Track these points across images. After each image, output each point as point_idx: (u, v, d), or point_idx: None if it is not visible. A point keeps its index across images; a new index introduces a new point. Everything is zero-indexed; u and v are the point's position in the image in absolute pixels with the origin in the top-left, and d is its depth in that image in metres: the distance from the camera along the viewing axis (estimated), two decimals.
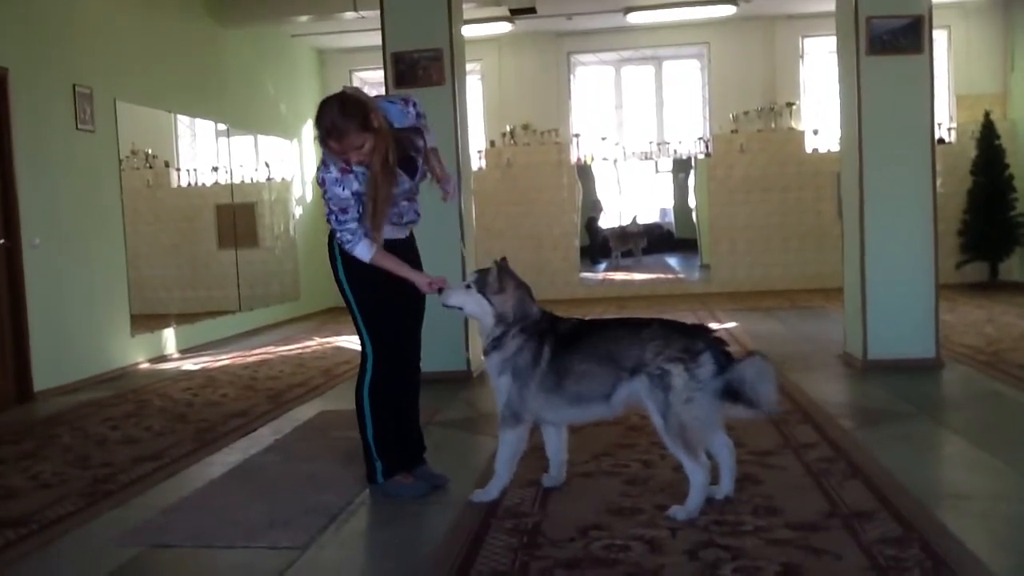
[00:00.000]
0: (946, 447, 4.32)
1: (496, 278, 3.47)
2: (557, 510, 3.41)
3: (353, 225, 3.47)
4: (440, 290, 3.55)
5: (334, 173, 3.44)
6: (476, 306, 3.51)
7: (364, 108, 3.36)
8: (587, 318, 3.64)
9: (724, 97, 11.88)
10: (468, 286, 3.54)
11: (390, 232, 3.63)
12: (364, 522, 3.47)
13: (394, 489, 3.69)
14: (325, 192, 3.48)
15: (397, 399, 3.75)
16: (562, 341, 3.42)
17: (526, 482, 3.68)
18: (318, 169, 3.52)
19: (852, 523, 3.10)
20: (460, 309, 3.56)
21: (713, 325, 8.60)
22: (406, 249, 3.72)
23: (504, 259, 3.57)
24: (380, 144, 3.39)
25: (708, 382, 3.19)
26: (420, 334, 3.85)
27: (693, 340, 3.26)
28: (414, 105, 3.62)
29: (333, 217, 3.48)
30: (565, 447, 3.69)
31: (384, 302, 3.64)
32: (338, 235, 3.50)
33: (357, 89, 3.55)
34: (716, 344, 3.27)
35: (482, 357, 3.61)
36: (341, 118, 3.32)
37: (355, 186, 3.44)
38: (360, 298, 3.65)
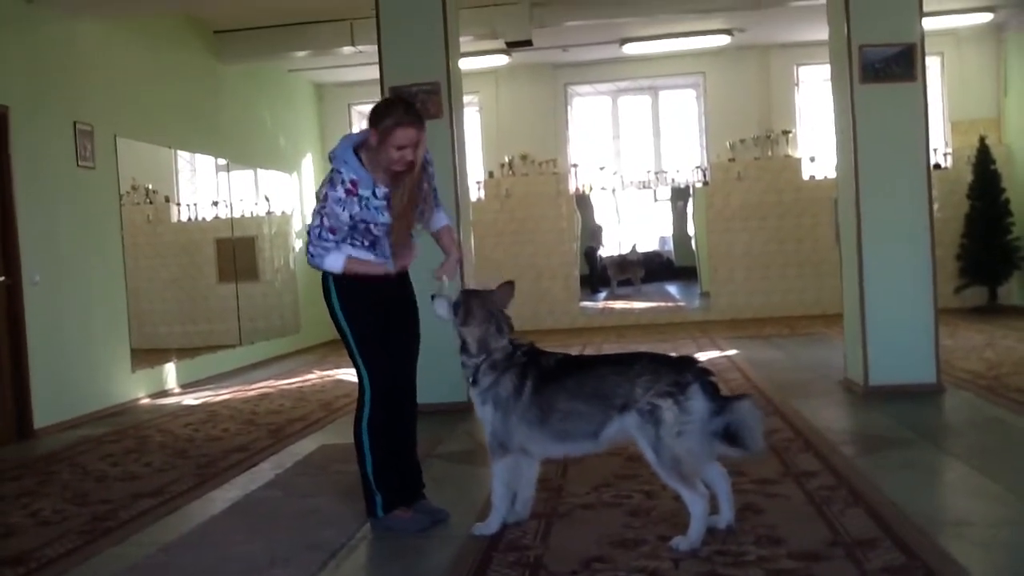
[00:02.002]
0: (948, 473, 4.31)
1: (463, 312, 3.50)
2: (559, 543, 3.39)
3: (331, 245, 3.49)
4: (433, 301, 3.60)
5: (339, 193, 3.47)
6: (443, 316, 3.58)
7: (422, 115, 3.56)
8: (572, 354, 3.65)
9: (720, 126, 11.95)
10: (444, 299, 3.59)
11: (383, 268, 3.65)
12: (365, 558, 3.45)
13: (395, 523, 3.67)
14: (323, 207, 3.49)
15: (395, 432, 3.74)
16: (546, 377, 3.42)
17: (529, 514, 3.66)
18: (323, 184, 3.55)
19: (855, 552, 3.09)
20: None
21: (714, 353, 8.61)
22: (399, 285, 3.73)
23: (509, 284, 3.63)
24: (420, 152, 3.52)
25: (701, 416, 3.19)
26: (415, 367, 3.84)
27: (681, 373, 3.26)
28: (427, 150, 3.66)
29: (317, 231, 3.49)
30: (534, 484, 3.66)
31: (381, 336, 3.65)
32: (311, 247, 3.51)
33: None
34: (703, 375, 3.28)
35: None
36: (416, 112, 3.47)
37: (355, 209, 3.47)
38: (357, 332, 3.64)
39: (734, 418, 3.18)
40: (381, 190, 3.50)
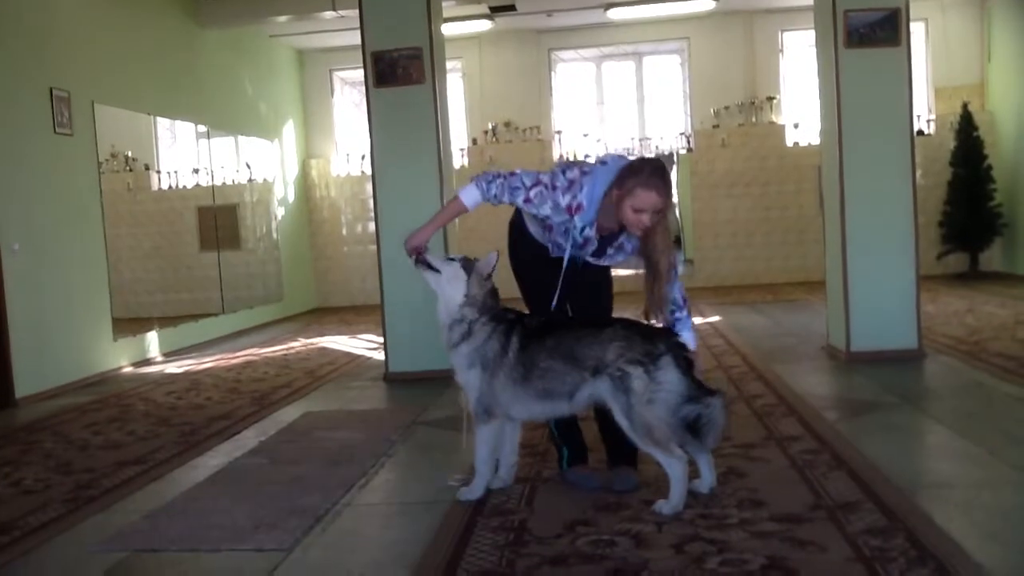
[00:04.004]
0: (929, 437, 4.35)
1: (490, 265, 3.47)
2: (543, 507, 3.41)
3: (493, 189, 3.42)
4: (417, 260, 3.51)
5: (565, 199, 3.36)
6: (452, 276, 3.47)
7: (671, 184, 3.38)
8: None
9: (705, 92, 11.92)
10: (452, 259, 3.53)
11: (557, 251, 3.61)
12: (350, 523, 3.45)
13: (572, 477, 3.66)
14: (549, 180, 3.37)
15: None
16: (530, 335, 3.42)
17: (513, 480, 3.68)
18: (572, 171, 3.41)
19: (837, 514, 3.12)
20: (434, 271, 3.49)
21: (697, 319, 8.63)
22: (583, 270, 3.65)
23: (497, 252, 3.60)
24: (663, 219, 3.35)
25: (670, 387, 3.21)
26: (599, 309, 3.73)
27: (654, 343, 3.27)
28: None
29: (517, 177, 3.40)
30: (517, 448, 3.68)
31: (540, 286, 3.63)
32: (494, 175, 3.46)
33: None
34: (676, 348, 3.29)
35: (448, 352, 3.55)
36: (664, 178, 3.31)
37: (556, 220, 3.41)
38: (521, 281, 3.72)
39: (708, 413, 3.22)
40: (589, 231, 3.42)
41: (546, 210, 3.41)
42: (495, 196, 3.45)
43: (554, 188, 3.38)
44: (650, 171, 3.31)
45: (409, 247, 3.53)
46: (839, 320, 6.22)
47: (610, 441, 3.63)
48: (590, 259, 3.61)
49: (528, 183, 3.40)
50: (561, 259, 3.55)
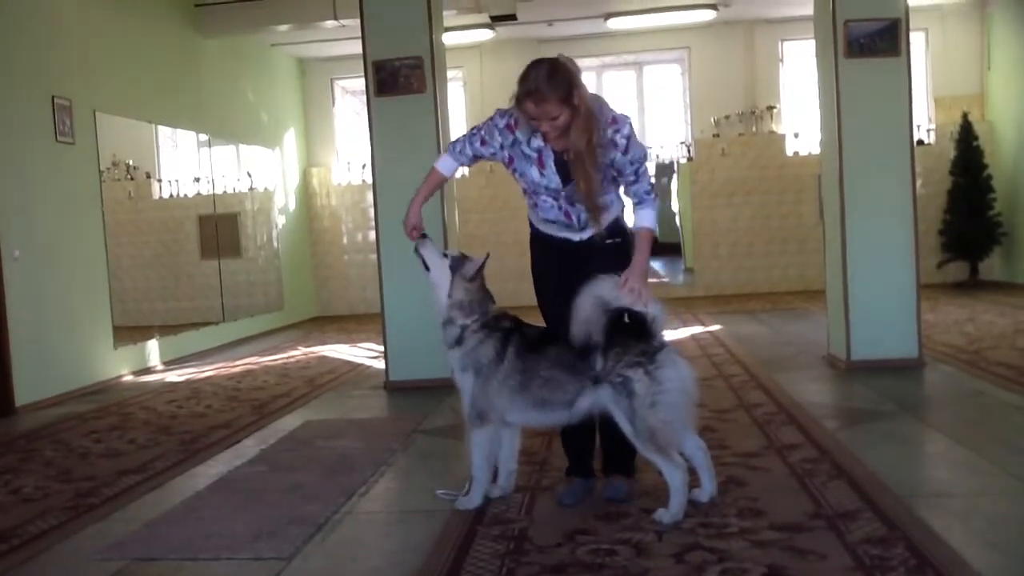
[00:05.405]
0: (929, 446, 4.35)
1: (475, 267, 3.49)
2: (543, 516, 3.41)
3: (459, 147, 3.59)
4: (416, 249, 3.55)
5: (501, 122, 3.47)
6: (439, 275, 3.50)
7: (571, 81, 3.23)
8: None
9: (705, 101, 11.94)
10: (445, 255, 3.56)
11: (559, 231, 3.62)
12: (350, 532, 3.45)
13: (558, 492, 3.64)
14: (488, 121, 3.52)
15: None
16: (529, 344, 3.41)
17: (512, 488, 3.68)
18: (497, 111, 3.52)
19: (837, 523, 3.12)
20: (425, 268, 3.53)
21: (698, 328, 8.64)
22: (586, 252, 3.55)
23: (487, 255, 3.62)
24: (580, 123, 3.25)
25: (671, 385, 3.20)
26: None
27: (648, 341, 3.26)
28: (617, 130, 3.35)
29: (473, 131, 3.58)
30: (516, 455, 3.67)
31: (547, 291, 3.65)
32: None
33: (571, 60, 3.32)
34: (669, 344, 3.30)
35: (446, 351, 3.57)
36: (547, 82, 3.19)
37: (508, 141, 3.46)
38: (537, 287, 3.71)
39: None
40: (535, 142, 3.41)
41: (496, 140, 3.48)
42: (460, 152, 3.60)
43: (492, 118, 3.52)
44: (533, 78, 3.23)
45: (407, 228, 3.59)
46: (839, 329, 6.22)
47: (608, 449, 3.63)
48: (571, 197, 3.48)
49: (478, 126, 3.58)
50: (572, 258, 3.53)
